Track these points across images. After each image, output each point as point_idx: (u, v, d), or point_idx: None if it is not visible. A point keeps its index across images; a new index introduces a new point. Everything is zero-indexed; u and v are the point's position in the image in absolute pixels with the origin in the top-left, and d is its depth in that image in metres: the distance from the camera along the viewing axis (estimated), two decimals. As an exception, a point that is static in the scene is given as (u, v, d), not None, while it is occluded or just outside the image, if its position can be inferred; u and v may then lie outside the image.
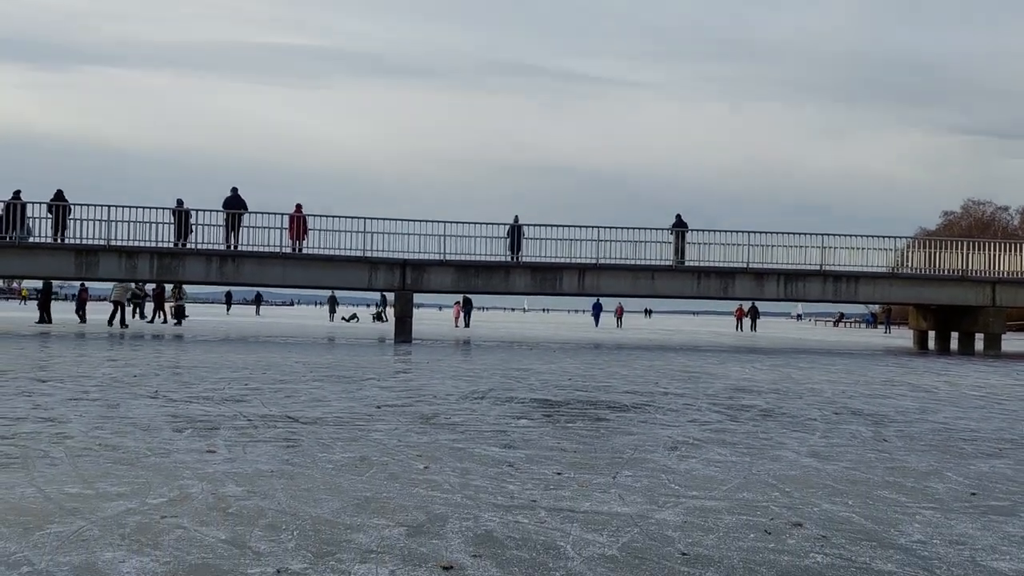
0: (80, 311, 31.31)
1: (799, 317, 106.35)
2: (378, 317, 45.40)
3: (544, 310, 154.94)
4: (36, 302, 29.31)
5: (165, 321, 31.25)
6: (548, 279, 23.72)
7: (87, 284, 33.03)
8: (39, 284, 30.84)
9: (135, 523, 3.82)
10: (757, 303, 43.36)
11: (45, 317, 27.96)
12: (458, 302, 40.22)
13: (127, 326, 27.23)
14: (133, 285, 27.81)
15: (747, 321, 47.02)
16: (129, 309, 29.88)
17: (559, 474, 5.18)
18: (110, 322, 27.15)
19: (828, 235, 24.25)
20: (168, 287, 31.24)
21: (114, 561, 3.28)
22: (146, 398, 8.43)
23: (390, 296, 37.80)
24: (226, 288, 48.86)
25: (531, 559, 3.45)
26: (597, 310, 48.43)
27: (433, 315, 71.73)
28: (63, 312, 36.15)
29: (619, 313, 52.89)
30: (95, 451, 5.52)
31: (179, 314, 30.93)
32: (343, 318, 45.00)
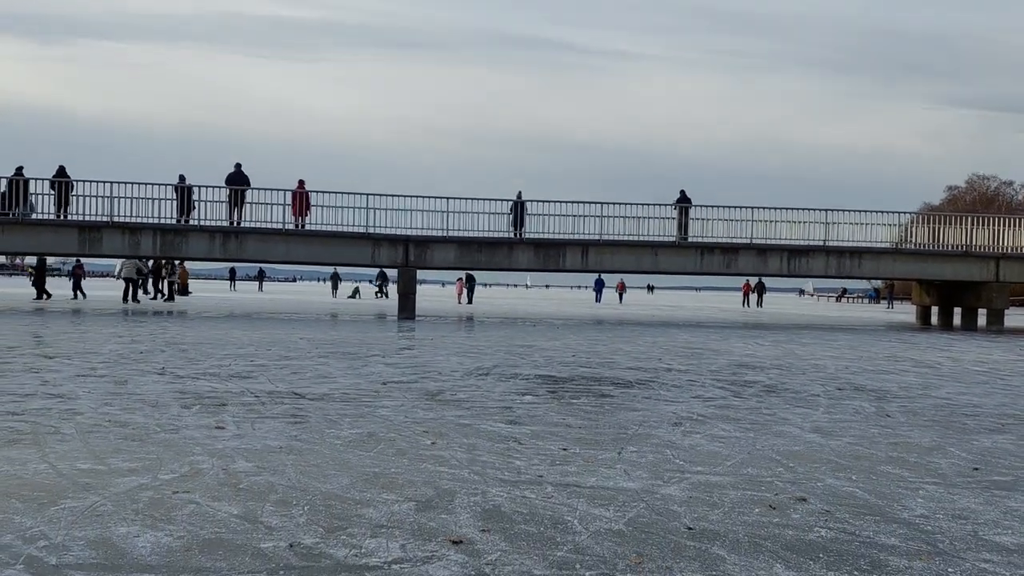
0: (76, 288, 31.29)
1: (801, 292, 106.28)
2: (380, 291, 45.37)
3: (546, 286, 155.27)
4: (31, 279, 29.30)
5: (166, 297, 31.32)
6: (551, 255, 23.73)
7: (90, 260, 33.08)
8: (49, 260, 30.81)
9: (148, 498, 3.87)
10: (764, 279, 43.27)
11: (42, 294, 27.95)
12: (461, 279, 40.26)
13: (139, 302, 27.60)
14: (138, 261, 27.93)
15: (754, 297, 46.93)
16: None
17: (565, 450, 5.23)
18: (124, 299, 27.45)
19: (832, 210, 24.23)
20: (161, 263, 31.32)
21: (129, 536, 3.33)
22: (153, 375, 8.49)
23: (391, 272, 37.79)
24: (230, 264, 48.92)
25: (539, 534, 3.50)
26: (599, 286, 48.58)
27: (436, 291, 71.84)
28: (63, 288, 36.20)
29: (621, 289, 53.10)
30: (105, 427, 5.58)
31: (171, 291, 30.95)
32: (348, 296, 44.95)
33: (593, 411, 6.83)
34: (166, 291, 31.27)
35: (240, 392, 7.38)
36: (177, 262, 32.84)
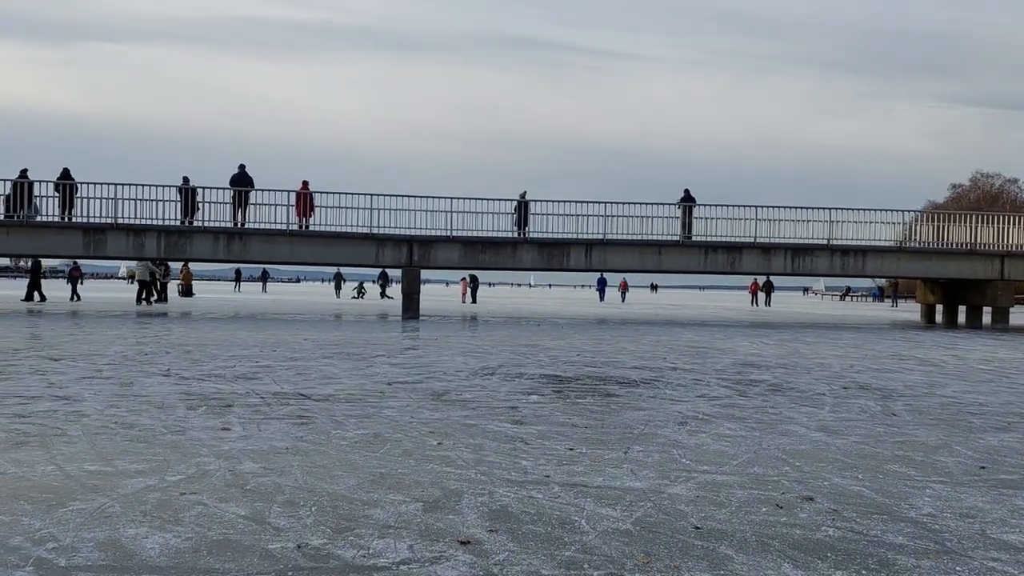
0: (74, 290, 31.15)
1: (805, 291, 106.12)
2: (382, 294, 45.26)
3: (549, 286, 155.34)
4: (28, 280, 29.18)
5: (157, 299, 31.12)
6: (555, 255, 23.73)
7: (94, 262, 33.14)
8: (53, 263, 30.84)
9: (155, 500, 3.88)
10: (771, 278, 42.92)
11: (36, 296, 27.78)
12: (464, 278, 40.29)
13: (151, 303, 27.76)
14: (150, 264, 27.98)
15: (762, 296, 46.39)
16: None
17: (571, 449, 5.23)
18: (138, 301, 27.58)
19: (835, 209, 24.20)
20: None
21: (137, 537, 3.34)
22: (159, 376, 8.50)
23: (394, 273, 37.70)
24: (235, 265, 48.89)
25: (546, 534, 3.50)
26: (602, 285, 48.70)
27: (440, 291, 71.88)
28: (60, 290, 36.17)
29: (623, 288, 53.17)
30: (112, 429, 5.59)
31: (164, 292, 30.71)
32: (352, 296, 44.84)
33: (599, 411, 6.83)
34: (157, 293, 31.26)
35: (246, 393, 7.39)
36: (174, 263, 32.73)
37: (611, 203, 23.69)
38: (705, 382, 8.99)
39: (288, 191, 22.82)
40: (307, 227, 22.84)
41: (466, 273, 37.95)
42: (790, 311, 36.77)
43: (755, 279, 44.14)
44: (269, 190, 22.89)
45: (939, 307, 28.38)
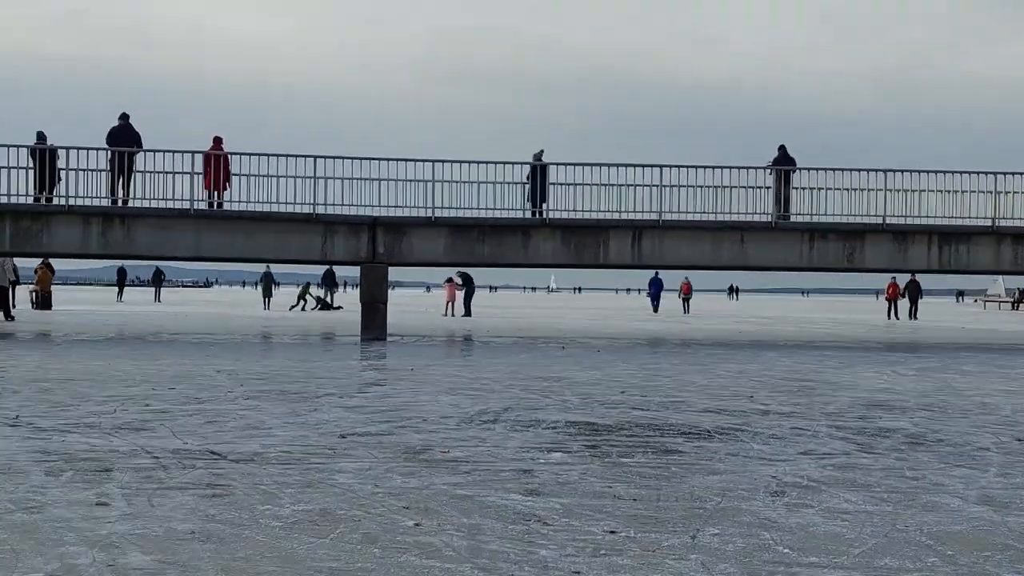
0: None
1: (959, 296, 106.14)
2: (323, 304, 44.98)
3: (577, 289, 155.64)
4: None
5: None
6: (587, 244, 23.75)
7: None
8: None
9: (-1, 609, 3.90)
10: (916, 277, 42.01)
11: None
12: (451, 279, 40.34)
13: (13, 318, 27.95)
14: (9, 261, 27.99)
15: (903, 304, 45.11)
16: None
17: (613, 533, 5.23)
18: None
19: (1006, 174, 24.12)
20: None
21: (-28, 665, 3.36)
22: (3, 426, 8.55)
23: (346, 272, 37.75)
24: (115, 263, 49.05)
25: (577, 658, 3.51)
26: (656, 289, 48.56)
27: (417, 298, 72.09)
28: None
29: (685, 292, 52.84)
30: (-66, 505, 5.62)
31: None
32: (291, 307, 44.62)
33: (653, 475, 6.84)
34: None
35: (131, 451, 7.42)
36: (20, 260, 32.76)
37: (670, 167, 23.67)
38: (811, 432, 9.00)
39: (193, 152, 22.91)
40: (220, 205, 22.91)
41: (455, 272, 38.05)
42: (938, 325, 36.74)
43: (892, 279, 43.40)
44: (165, 151, 22.99)
45: None
